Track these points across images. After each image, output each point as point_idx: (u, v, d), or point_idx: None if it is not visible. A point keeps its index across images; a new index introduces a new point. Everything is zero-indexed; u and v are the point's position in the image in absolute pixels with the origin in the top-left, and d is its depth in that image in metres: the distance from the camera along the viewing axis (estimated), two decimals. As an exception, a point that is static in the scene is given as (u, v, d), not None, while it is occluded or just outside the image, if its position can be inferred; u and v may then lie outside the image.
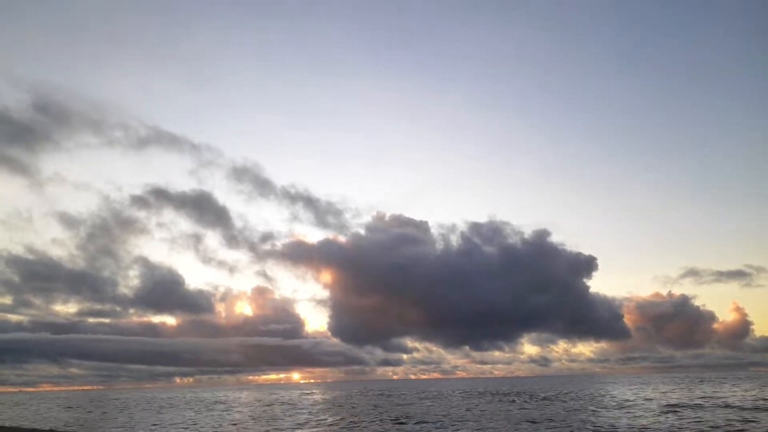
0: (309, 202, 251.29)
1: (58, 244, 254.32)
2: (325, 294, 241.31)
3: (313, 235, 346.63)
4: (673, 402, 37.20)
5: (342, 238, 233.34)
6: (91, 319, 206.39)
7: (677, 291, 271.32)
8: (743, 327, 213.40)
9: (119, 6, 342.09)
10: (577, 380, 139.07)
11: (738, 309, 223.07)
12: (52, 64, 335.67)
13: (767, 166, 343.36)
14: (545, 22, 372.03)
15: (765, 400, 34.04)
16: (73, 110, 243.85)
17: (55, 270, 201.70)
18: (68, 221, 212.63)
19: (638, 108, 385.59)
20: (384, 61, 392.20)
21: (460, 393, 67.48)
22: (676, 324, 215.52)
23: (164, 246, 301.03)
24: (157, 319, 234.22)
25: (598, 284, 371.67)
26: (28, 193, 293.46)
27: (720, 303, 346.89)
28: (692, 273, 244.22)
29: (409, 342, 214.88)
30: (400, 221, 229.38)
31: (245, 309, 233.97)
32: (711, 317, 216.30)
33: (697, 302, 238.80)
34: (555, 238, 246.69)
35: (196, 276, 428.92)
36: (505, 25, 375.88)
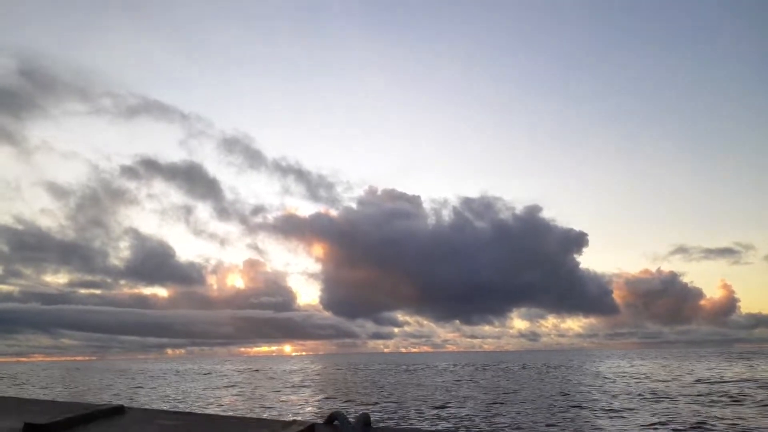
0: (300, 175, 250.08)
1: (47, 214, 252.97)
2: (316, 267, 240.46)
3: (304, 208, 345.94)
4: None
5: (334, 212, 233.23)
6: (82, 290, 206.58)
7: (666, 268, 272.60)
8: (730, 304, 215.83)
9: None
10: (566, 354, 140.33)
11: (725, 286, 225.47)
12: (37, 30, 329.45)
13: (757, 146, 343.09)
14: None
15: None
16: (59, 77, 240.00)
17: (44, 240, 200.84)
18: (57, 191, 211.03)
19: (630, 86, 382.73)
20: (378, 36, 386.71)
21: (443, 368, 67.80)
22: (665, 300, 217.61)
23: (155, 217, 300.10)
24: (148, 290, 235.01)
25: (588, 260, 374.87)
26: (15, 162, 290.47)
27: (708, 280, 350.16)
28: (681, 250, 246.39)
29: (400, 316, 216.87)
30: (392, 195, 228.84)
31: (237, 282, 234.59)
32: (699, 294, 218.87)
33: (685, 279, 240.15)
34: (546, 214, 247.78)
35: (187, 248, 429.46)
36: (498, 1, 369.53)
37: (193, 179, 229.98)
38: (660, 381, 30.35)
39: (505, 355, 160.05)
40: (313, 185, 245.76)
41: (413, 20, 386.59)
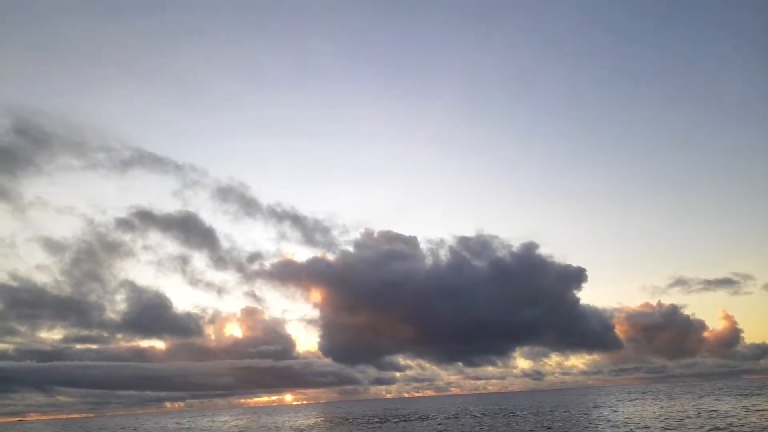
0: (296, 220, 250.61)
1: (42, 270, 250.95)
2: (315, 313, 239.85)
3: (301, 253, 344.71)
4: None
5: (330, 256, 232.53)
6: (78, 346, 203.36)
7: (666, 300, 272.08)
8: (733, 335, 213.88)
9: (99, 26, 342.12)
10: (573, 393, 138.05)
11: (727, 317, 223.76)
12: (31, 87, 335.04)
13: (752, 174, 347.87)
14: (530, 36, 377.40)
15: None
16: (53, 133, 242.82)
17: (39, 296, 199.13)
18: (52, 246, 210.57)
19: (624, 119, 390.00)
20: (369, 78, 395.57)
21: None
22: (667, 333, 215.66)
23: (151, 269, 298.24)
24: (145, 343, 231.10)
25: (588, 296, 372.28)
26: (10, 218, 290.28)
27: (709, 311, 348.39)
28: (680, 282, 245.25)
29: (401, 359, 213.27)
30: (389, 237, 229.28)
31: (235, 331, 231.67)
32: (701, 326, 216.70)
33: (686, 311, 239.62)
34: (543, 251, 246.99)
35: (184, 299, 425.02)
36: (488, 40, 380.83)
37: (189, 229, 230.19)
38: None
39: (510, 397, 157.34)
40: (309, 230, 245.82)
41: (404, 62, 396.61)
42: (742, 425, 26.97)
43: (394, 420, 51.97)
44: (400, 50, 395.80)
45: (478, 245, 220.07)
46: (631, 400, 64.84)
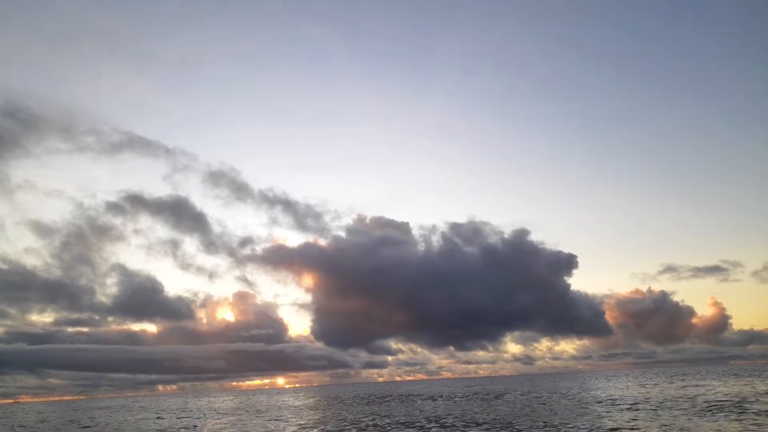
0: (288, 205, 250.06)
1: (31, 253, 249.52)
2: (307, 298, 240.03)
3: (293, 238, 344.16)
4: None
5: (322, 241, 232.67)
6: (69, 329, 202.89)
7: (656, 287, 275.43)
8: (722, 321, 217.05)
9: (89, 7, 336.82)
10: (565, 377, 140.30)
11: (716, 304, 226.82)
12: (20, 69, 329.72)
13: (741, 163, 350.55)
14: (524, 24, 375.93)
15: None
16: (41, 116, 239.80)
17: (29, 279, 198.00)
18: (41, 229, 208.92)
19: (616, 109, 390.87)
20: (364, 65, 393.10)
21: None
22: (657, 319, 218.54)
23: (141, 253, 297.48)
24: (137, 326, 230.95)
25: (578, 282, 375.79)
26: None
27: (698, 298, 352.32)
28: (670, 269, 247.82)
29: (393, 344, 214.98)
30: (381, 223, 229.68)
31: (227, 315, 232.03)
32: (690, 312, 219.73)
33: (676, 298, 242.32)
34: (534, 237, 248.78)
35: (175, 283, 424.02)
36: (483, 28, 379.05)
37: (180, 213, 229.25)
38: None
39: (501, 380, 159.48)
40: (301, 215, 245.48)
41: (398, 48, 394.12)
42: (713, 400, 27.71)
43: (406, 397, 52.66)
44: (395, 39, 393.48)
45: (470, 231, 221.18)
46: (611, 382, 66.11)
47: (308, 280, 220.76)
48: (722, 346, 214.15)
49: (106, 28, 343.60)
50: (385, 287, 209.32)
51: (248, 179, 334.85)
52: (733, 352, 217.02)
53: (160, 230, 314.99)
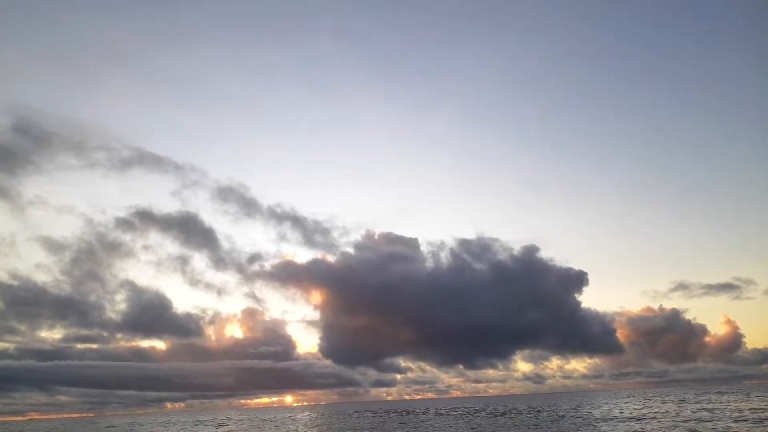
0: (296, 221, 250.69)
1: (42, 269, 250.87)
2: (315, 315, 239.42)
3: (301, 255, 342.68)
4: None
5: (331, 258, 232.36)
6: (79, 345, 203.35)
7: (667, 305, 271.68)
8: (735, 340, 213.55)
9: (101, 25, 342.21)
10: (576, 397, 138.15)
11: (729, 322, 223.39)
12: (31, 85, 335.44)
13: (754, 179, 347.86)
14: (533, 39, 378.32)
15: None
16: (53, 132, 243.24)
17: (39, 295, 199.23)
18: (52, 245, 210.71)
19: (626, 124, 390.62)
20: (372, 80, 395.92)
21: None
22: (669, 338, 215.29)
23: (150, 269, 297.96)
24: (145, 343, 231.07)
25: (589, 299, 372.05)
26: (9, 217, 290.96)
27: (711, 316, 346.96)
28: (681, 287, 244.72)
29: (402, 362, 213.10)
30: (390, 239, 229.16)
31: (235, 331, 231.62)
32: (703, 330, 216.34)
33: (688, 316, 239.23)
34: (544, 254, 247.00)
35: (184, 299, 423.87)
36: (491, 43, 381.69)
37: (189, 229, 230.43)
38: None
39: (511, 399, 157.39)
40: (309, 231, 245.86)
41: (406, 64, 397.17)
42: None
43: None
44: (403, 53, 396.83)
45: (479, 248, 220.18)
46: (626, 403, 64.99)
47: (316, 296, 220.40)
48: (735, 365, 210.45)
49: (117, 45, 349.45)
50: (393, 304, 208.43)
51: (257, 195, 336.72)
52: (747, 372, 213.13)
53: (169, 246, 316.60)
